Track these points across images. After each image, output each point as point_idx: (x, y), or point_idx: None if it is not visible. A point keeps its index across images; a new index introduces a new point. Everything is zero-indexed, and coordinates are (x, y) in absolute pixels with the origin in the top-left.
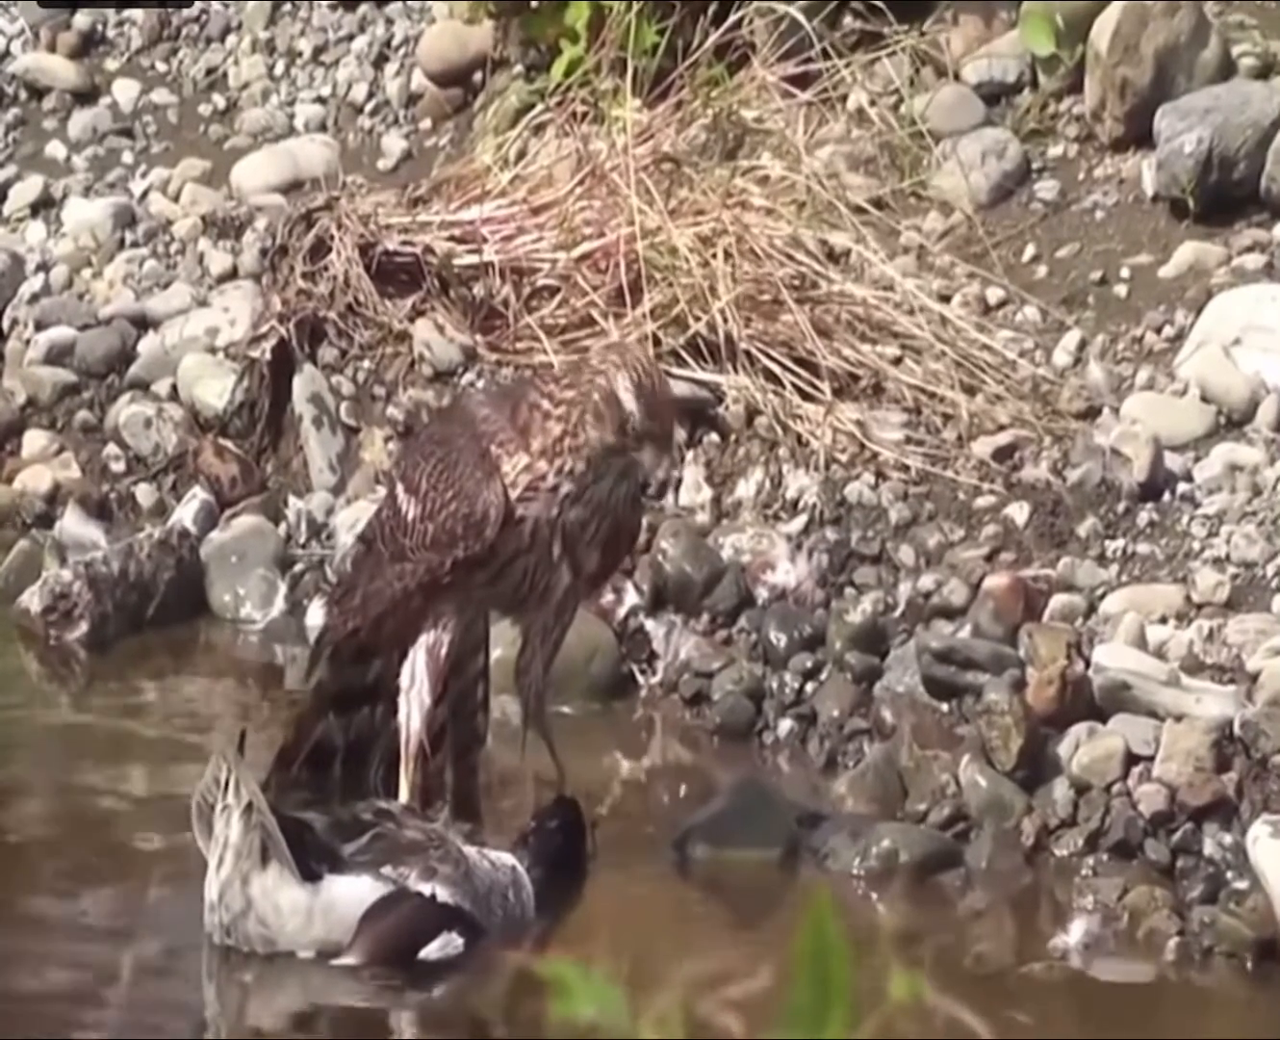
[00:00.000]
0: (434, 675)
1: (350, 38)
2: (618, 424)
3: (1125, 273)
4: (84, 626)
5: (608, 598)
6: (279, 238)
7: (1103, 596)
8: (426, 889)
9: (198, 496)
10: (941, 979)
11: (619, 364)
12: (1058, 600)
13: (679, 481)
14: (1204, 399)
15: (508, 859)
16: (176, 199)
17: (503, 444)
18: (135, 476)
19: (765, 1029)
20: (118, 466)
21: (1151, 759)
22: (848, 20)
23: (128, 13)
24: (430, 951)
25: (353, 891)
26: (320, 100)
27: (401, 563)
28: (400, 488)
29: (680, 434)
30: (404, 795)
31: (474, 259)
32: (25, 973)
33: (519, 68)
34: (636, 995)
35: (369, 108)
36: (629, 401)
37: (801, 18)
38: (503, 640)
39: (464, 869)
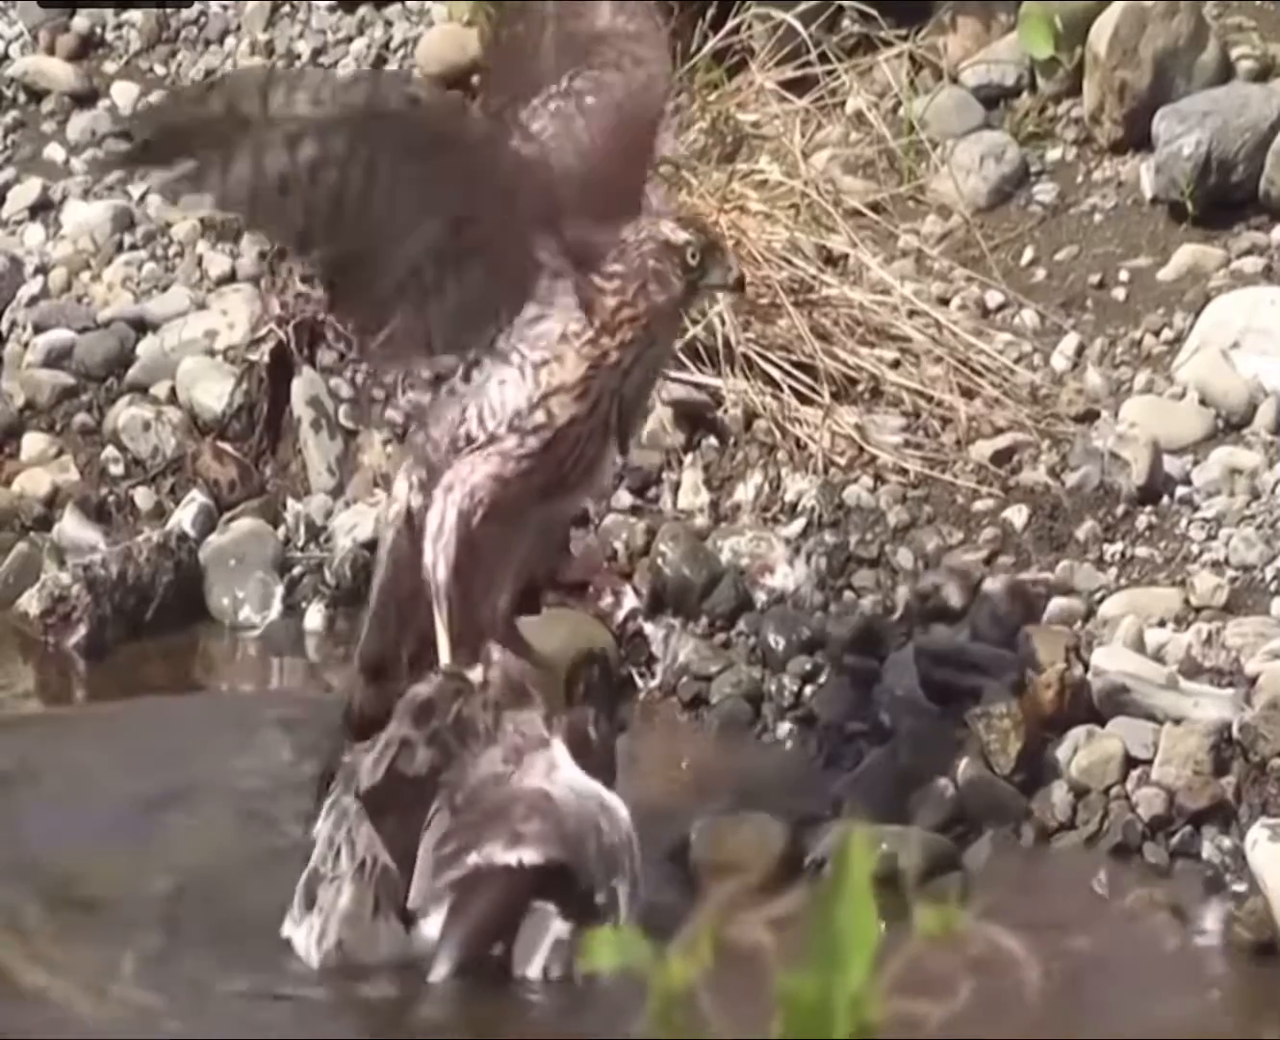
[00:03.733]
0: (463, 528)
1: (349, 40)
2: (680, 266)
3: (1124, 276)
4: (82, 629)
5: (606, 600)
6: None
7: (1101, 600)
8: (513, 859)
9: (196, 499)
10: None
11: (656, 218)
12: (1056, 603)
13: (677, 484)
14: (1202, 402)
15: (591, 785)
16: (175, 202)
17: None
18: (134, 479)
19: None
20: (116, 469)
21: (1150, 762)
22: (846, 24)
23: (127, 15)
24: (526, 931)
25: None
26: None
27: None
28: None
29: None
30: (444, 653)
31: None
32: (23, 978)
33: None
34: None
35: None
36: (679, 235)
37: (798, 24)
38: None
39: (554, 818)
